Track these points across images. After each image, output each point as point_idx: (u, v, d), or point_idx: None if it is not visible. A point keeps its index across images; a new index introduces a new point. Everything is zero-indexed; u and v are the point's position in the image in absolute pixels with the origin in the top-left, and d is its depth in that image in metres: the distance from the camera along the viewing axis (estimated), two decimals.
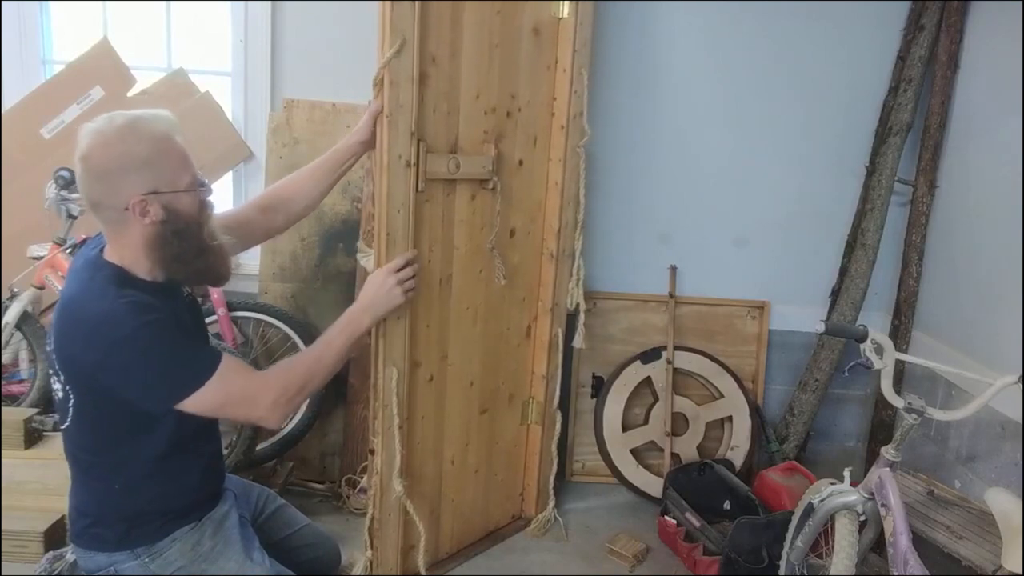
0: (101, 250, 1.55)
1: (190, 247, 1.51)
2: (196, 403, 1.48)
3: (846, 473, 1.97)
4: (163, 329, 1.46)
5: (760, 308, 3.19)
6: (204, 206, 1.54)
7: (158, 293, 1.51)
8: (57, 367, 1.51)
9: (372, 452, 2.16)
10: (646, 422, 3.12)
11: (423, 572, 2.26)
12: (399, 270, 1.90)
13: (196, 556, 1.61)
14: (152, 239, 1.48)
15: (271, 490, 1.97)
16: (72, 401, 1.51)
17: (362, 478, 2.70)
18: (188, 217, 1.49)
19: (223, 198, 3.21)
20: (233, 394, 1.53)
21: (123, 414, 1.50)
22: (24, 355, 2.80)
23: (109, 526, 1.58)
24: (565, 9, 2.41)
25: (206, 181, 1.56)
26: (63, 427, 1.57)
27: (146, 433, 1.54)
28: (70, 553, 1.72)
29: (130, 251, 1.50)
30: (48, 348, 1.54)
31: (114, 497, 1.57)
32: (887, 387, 1.90)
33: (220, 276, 1.62)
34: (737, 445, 3.10)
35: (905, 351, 2.91)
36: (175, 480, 1.61)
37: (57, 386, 1.55)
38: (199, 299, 1.78)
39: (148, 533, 1.58)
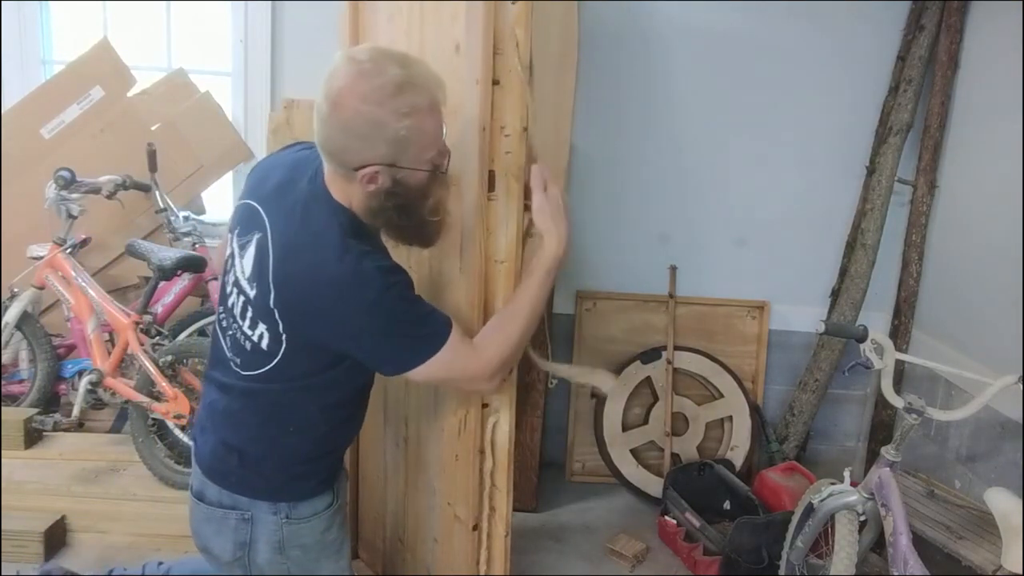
0: (323, 178, 1.41)
1: (408, 222, 1.43)
2: (424, 372, 1.40)
3: (846, 473, 1.97)
4: (405, 287, 1.40)
5: (760, 308, 3.19)
6: (437, 181, 1.42)
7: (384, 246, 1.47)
8: (276, 316, 1.38)
9: (476, 528, 1.79)
10: (646, 422, 3.12)
11: None
12: None
13: (321, 543, 1.55)
14: (371, 205, 1.38)
15: None
16: (284, 349, 1.40)
17: None
18: (416, 193, 1.39)
19: (223, 198, 3.22)
20: (457, 368, 1.44)
21: (337, 362, 1.43)
22: (24, 355, 2.80)
23: (266, 472, 1.49)
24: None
25: (448, 151, 1.42)
26: (250, 372, 1.46)
27: (348, 378, 1.48)
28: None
29: (353, 201, 1.40)
30: (249, 291, 1.41)
31: (287, 440, 1.49)
32: (887, 387, 1.91)
33: (429, 243, 1.55)
34: (737, 445, 3.10)
35: (905, 351, 2.91)
36: (344, 431, 1.58)
37: (259, 331, 1.41)
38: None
39: (299, 490, 1.52)
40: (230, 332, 1.48)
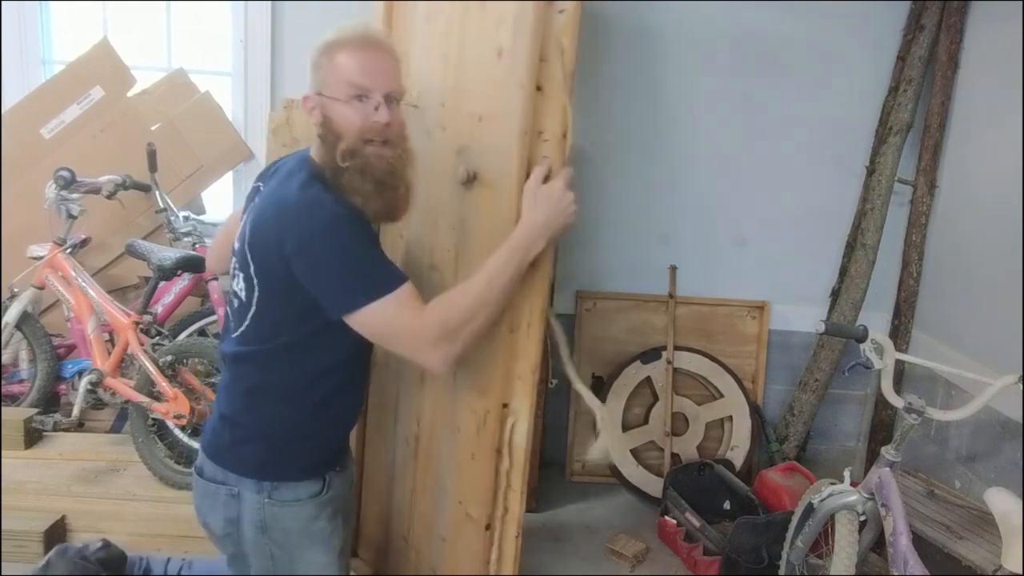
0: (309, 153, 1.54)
1: (329, 160, 1.45)
2: (366, 318, 1.39)
3: (846, 473, 1.97)
4: (361, 228, 1.43)
5: (760, 308, 3.19)
6: (367, 128, 1.44)
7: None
8: (248, 256, 1.45)
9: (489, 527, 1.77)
10: (646, 422, 3.12)
11: None
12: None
13: (306, 531, 1.54)
14: (318, 144, 1.49)
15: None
16: (257, 295, 1.45)
17: None
18: (337, 128, 1.44)
19: (223, 198, 3.22)
20: (397, 327, 1.42)
21: (310, 315, 1.44)
22: (24, 355, 2.80)
23: (252, 446, 1.51)
24: None
25: (381, 105, 1.45)
26: (236, 333, 1.51)
27: (329, 343, 1.48)
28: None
29: (316, 152, 1.50)
30: (236, 246, 1.51)
31: (272, 410, 1.51)
32: (887, 387, 1.90)
33: (376, 212, 1.49)
34: (737, 445, 3.10)
35: (905, 351, 2.91)
36: (333, 410, 1.55)
37: (240, 286, 1.48)
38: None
39: (283, 470, 1.51)
40: (231, 300, 1.55)
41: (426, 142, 1.86)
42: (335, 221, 1.39)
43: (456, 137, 1.76)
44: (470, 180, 1.68)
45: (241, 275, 1.49)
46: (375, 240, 1.48)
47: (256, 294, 1.45)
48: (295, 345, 1.48)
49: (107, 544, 2.04)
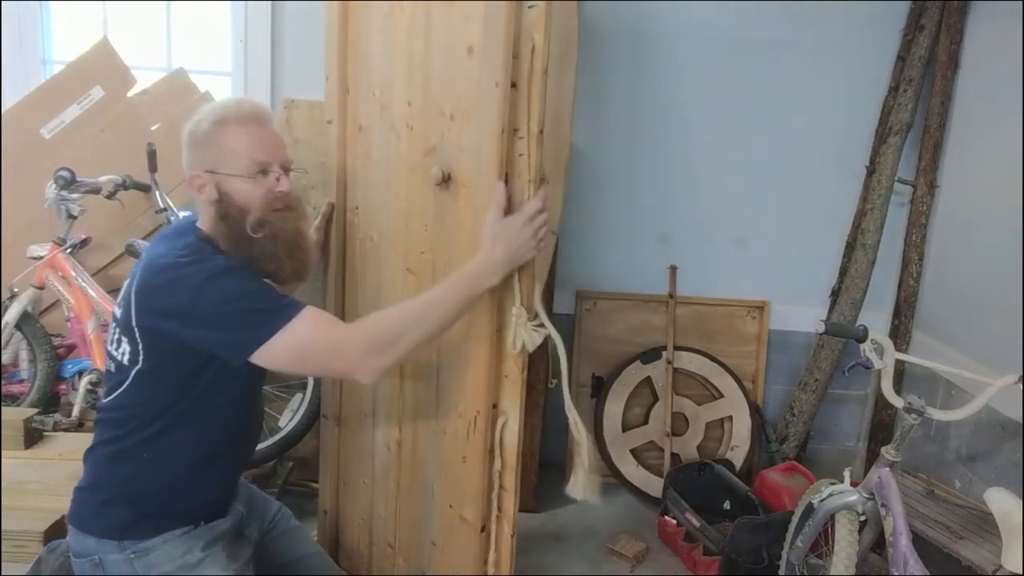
0: (195, 221, 1.58)
1: (234, 233, 1.50)
2: (276, 348, 1.40)
3: (846, 473, 1.97)
4: (249, 273, 1.47)
5: (760, 308, 3.19)
6: (271, 198, 1.52)
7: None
8: (133, 323, 1.45)
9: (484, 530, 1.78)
10: (646, 422, 3.12)
11: None
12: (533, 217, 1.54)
13: (183, 564, 1.53)
14: (213, 217, 1.53)
15: (288, 509, 1.88)
16: (140, 361, 1.46)
17: None
18: (240, 203, 1.50)
19: None
20: (316, 343, 1.44)
21: (192, 381, 1.47)
22: (24, 355, 2.80)
23: (114, 508, 1.51)
24: None
25: (280, 176, 1.54)
26: (108, 397, 1.53)
27: (207, 410, 1.51)
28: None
29: (208, 224, 1.54)
30: (117, 311, 1.52)
31: (139, 472, 1.51)
32: (887, 387, 1.90)
33: (277, 275, 1.56)
34: (737, 445, 3.10)
35: (905, 351, 2.91)
36: (213, 469, 1.56)
37: (123, 348, 1.49)
38: None
39: (146, 527, 1.52)
40: (108, 364, 1.57)
41: (393, 142, 1.85)
42: (221, 270, 1.42)
43: (425, 136, 1.76)
44: (445, 181, 1.68)
45: (125, 339, 1.49)
46: (268, 284, 1.51)
47: (139, 360, 1.46)
48: (171, 411, 1.49)
49: None
